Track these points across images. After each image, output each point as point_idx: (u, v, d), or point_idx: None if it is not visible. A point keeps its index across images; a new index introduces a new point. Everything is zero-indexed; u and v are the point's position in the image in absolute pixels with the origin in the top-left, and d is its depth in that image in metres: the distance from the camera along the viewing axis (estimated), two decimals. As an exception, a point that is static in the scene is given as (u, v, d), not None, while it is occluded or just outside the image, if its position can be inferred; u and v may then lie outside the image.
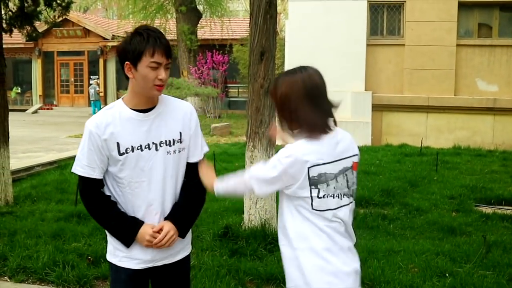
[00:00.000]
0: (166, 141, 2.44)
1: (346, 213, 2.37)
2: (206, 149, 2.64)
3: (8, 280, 4.77)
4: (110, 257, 2.55)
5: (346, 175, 2.38)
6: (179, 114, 2.51)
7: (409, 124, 14.76)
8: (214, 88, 21.02)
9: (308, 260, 2.29)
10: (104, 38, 27.87)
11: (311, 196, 2.30)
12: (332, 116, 2.38)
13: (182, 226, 2.51)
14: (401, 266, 4.77)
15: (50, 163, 10.11)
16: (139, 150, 2.39)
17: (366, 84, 14.80)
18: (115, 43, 26.94)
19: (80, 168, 2.41)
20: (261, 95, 5.33)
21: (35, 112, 28.28)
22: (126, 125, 2.38)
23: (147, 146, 2.40)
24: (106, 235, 2.56)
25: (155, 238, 2.40)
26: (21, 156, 11.59)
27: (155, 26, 24.30)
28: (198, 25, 24.15)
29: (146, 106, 2.43)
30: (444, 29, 14.49)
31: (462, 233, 5.96)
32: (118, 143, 2.37)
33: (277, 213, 5.75)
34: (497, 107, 14.24)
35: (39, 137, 16.78)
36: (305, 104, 2.30)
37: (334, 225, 2.33)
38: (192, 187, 2.54)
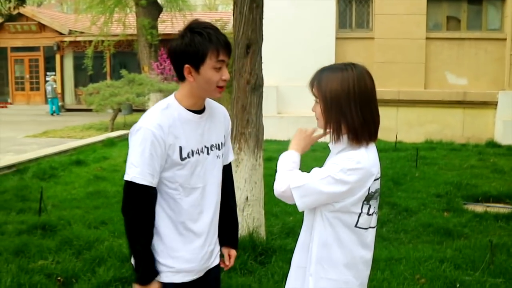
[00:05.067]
0: (216, 144, 2.32)
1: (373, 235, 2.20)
2: (232, 156, 2.56)
3: (-35, 308, 4.17)
4: None
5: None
6: (221, 117, 2.40)
7: (380, 118, 14.50)
8: (178, 84, 20.33)
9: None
10: (61, 33, 26.65)
11: (360, 213, 2.06)
12: (379, 123, 2.11)
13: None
14: (406, 277, 4.39)
15: (8, 167, 9.32)
16: (198, 154, 2.22)
17: (336, 78, 14.44)
18: (72, 38, 25.92)
19: (140, 176, 2.10)
20: (248, 92, 4.85)
21: (-12, 111, 26.93)
22: (185, 128, 2.19)
23: (202, 150, 2.24)
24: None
25: None
26: (-25, 160, 10.73)
27: (113, 20, 23.85)
28: (159, 19, 23.42)
29: (200, 107, 2.26)
30: (413, 22, 14.28)
31: (459, 235, 5.63)
32: (180, 147, 2.16)
33: (265, 220, 5.32)
34: (467, 100, 14.11)
35: (-6, 138, 15.79)
36: (356, 107, 2.01)
37: (366, 242, 2.15)
38: (230, 198, 2.54)
